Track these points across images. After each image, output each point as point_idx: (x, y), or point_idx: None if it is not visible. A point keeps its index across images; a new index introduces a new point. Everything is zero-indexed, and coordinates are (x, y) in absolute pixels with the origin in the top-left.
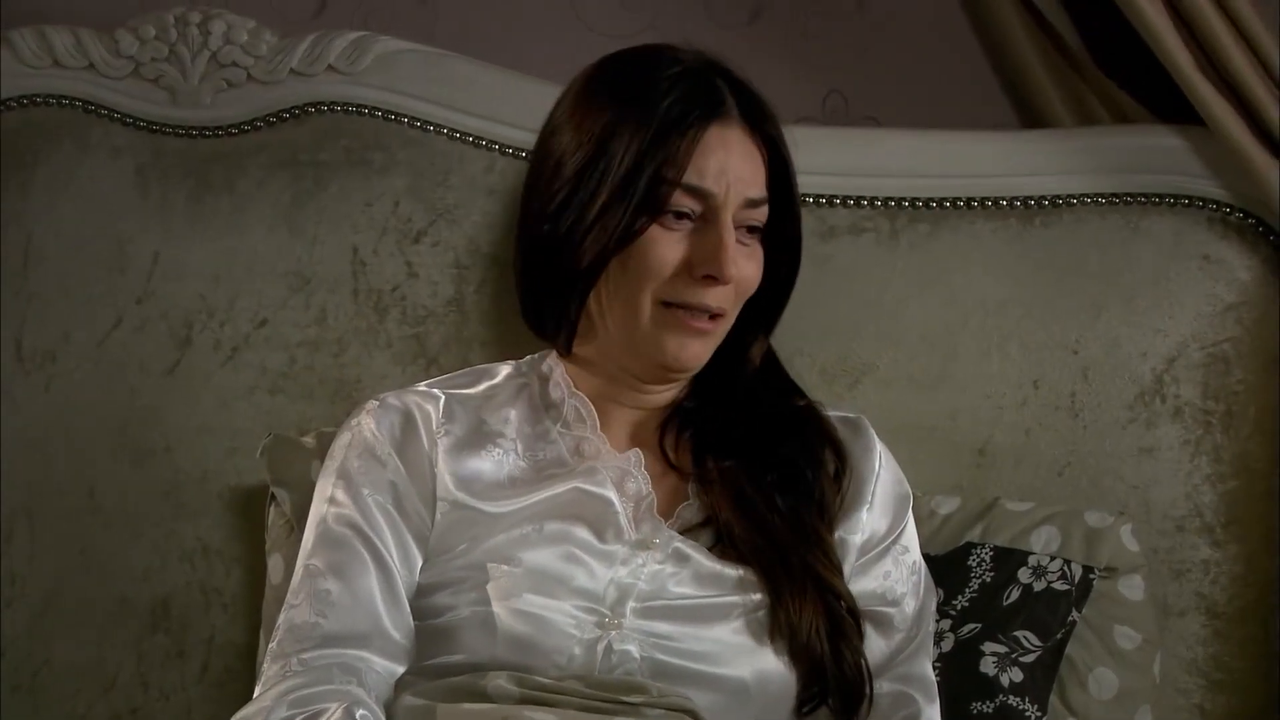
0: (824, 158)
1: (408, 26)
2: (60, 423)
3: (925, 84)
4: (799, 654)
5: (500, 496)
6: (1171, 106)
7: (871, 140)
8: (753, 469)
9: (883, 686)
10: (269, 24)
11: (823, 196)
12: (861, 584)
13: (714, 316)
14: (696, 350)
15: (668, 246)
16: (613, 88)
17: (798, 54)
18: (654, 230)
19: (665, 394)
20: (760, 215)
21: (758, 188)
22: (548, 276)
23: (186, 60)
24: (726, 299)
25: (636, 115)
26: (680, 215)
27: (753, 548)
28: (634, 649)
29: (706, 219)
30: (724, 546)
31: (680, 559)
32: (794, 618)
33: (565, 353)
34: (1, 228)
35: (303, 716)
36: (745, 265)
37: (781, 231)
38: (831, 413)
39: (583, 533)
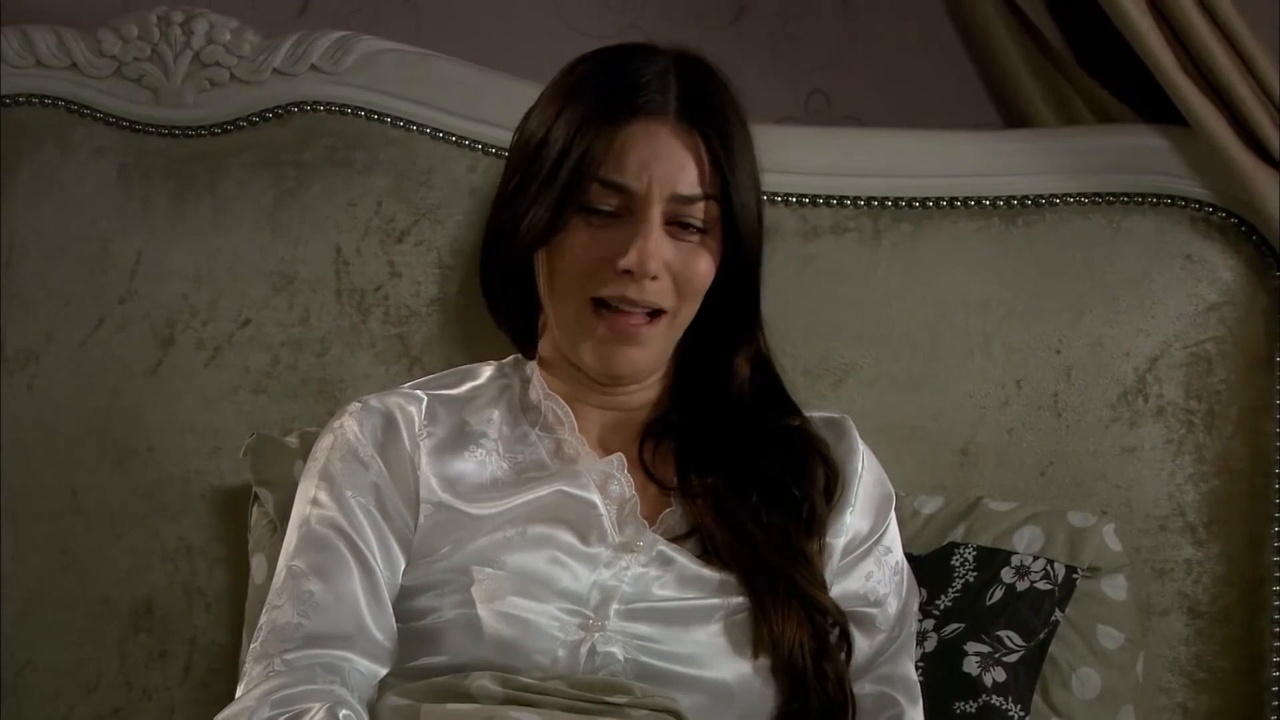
0: (807, 157)
1: (391, 26)
2: (42, 423)
3: (908, 83)
4: (781, 669)
5: (483, 499)
6: (1154, 106)
7: (854, 140)
8: (737, 485)
9: (865, 688)
10: (252, 24)
11: (805, 196)
12: (844, 585)
13: (654, 316)
14: (632, 356)
15: (588, 240)
16: (565, 84)
17: (780, 53)
18: (576, 224)
19: (635, 395)
20: (696, 212)
21: (688, 184)
22: (496, 268)
23: (169, 60)
24: (661, 295)
25: (571, 110)
26: (604, 211)
27: (736, 558)
28: (618, 651)
29: (631, 214)
30: (709, 556)
31: (664, 562)
32: (777, 631)
33: (519, 346)
34: None
35: (286, 716)
36: (683, 261)
37: (733, 230)
38: (815, 413)
39: (566, 535)
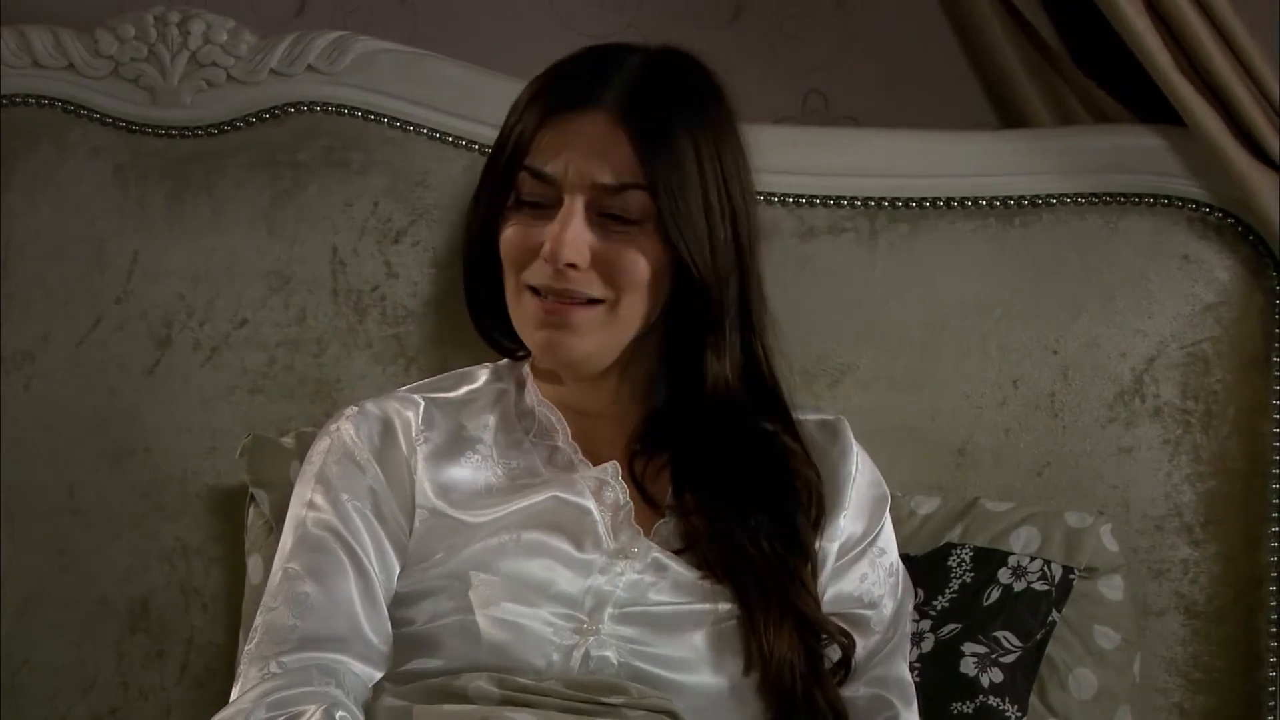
0: (804, 158)
1: (387, 26)
2: (40, 423)
3: (905, 84)
4: (769, 685)
5: (478, 505)
6: (1151, 107)
7: (851, 140)
8: (731, 504)
9: (859, 690)
10: (248, 24)
11: (802, 196)
12: (838, 586)
13: (588, 302)
14: (570, 343)
15: (520, 230)
16: (535, 78)
17: (778, 54)
18: (511, 215)
19: (611, 397)
20: (624, 203)
21: (612, 174)
22: (470, 268)
23: (166, 60)
24: (587, 285)
25: (519, 105)
26: (535, 203)
27: (731, 576)
28: (611, 655)
29: (559, 203)
30: (704, 570)
31: (659, 569)
32: (767, 648)
33: (504, 352)
34: None
35: (283, 718)
36: (612, 252)
37: (669, 224)
38: (810, 415)
39: (561, 542)
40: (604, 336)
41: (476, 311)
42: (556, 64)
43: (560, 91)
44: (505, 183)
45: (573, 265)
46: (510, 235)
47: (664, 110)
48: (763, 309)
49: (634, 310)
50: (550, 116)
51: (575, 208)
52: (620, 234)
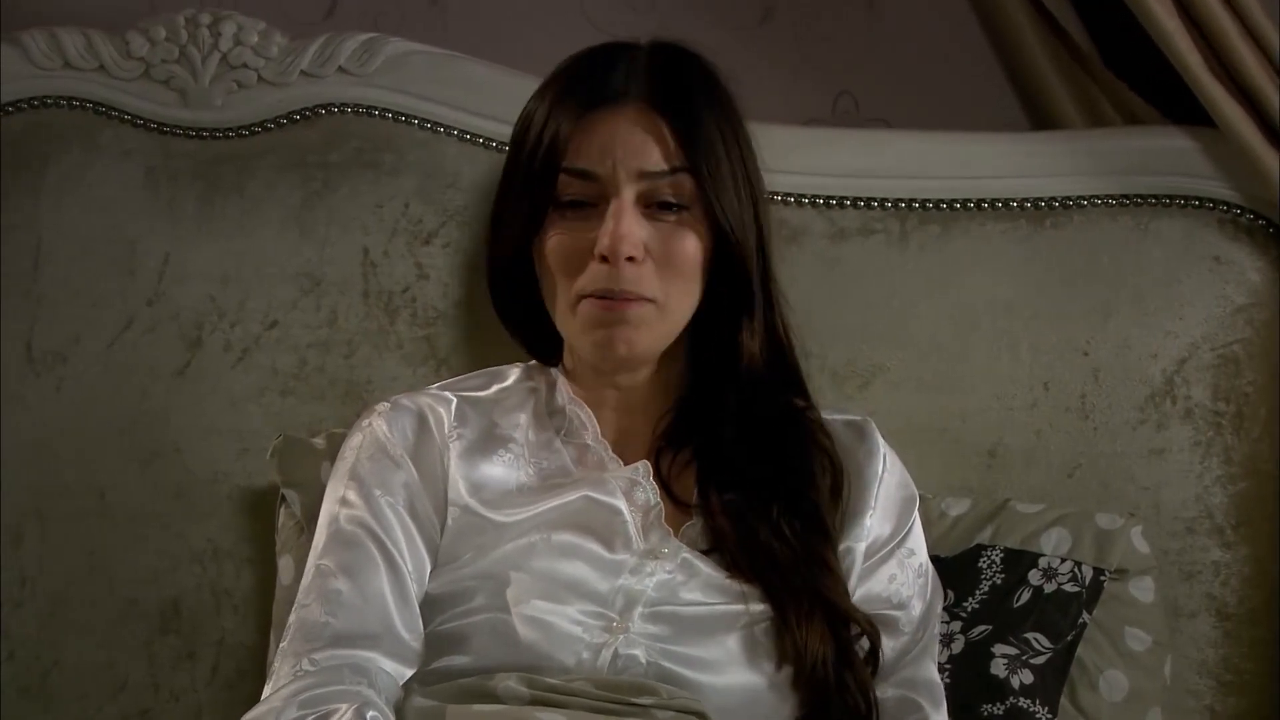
0: (834, 159)
1: (418, 28)
2: (70, 424)
3: (935, 85)
4: (802, 679)
5: (509, 504)
6: (1182, 108)
7: (882, 142)
8: (756, 498)
9: (887, 691)
10: (279, 25)
11: (833, 198)
12: (867, 587)
13: (635, 299)
14: (626, 335)
15: (565, 233)
16: (544, 83)
17: (808, 55)
18: (554, 220)
19: (640, 388)
20: (672, 188)
21: (655, 160)
22: (498, 271)
23: (197, 62)
24: (644, 282)
25: (542, 107)
26: (576, 204)
27: (759, 573)
28: (640, 654)
29: (605, 201)
30: (732, 570)
31: (689, 569)
32: (800, 643)
33: (534, 353)
34: (11, 229)
35: (313, 716)
36: (664, 241)
37: (712, 203)
38: (837, 416)
39: (591, 543)
40: (657, 331)
41: (512, 322)
42: (563, 68)
43: (584, 91)
44: (543, 189)
45: (631, 259)
46: (557, 242)
47: (690, 95)
48: (778, 291)
49: (683, 302)
50: (581, 117)
51: (626, 201)
52: (670, 222)
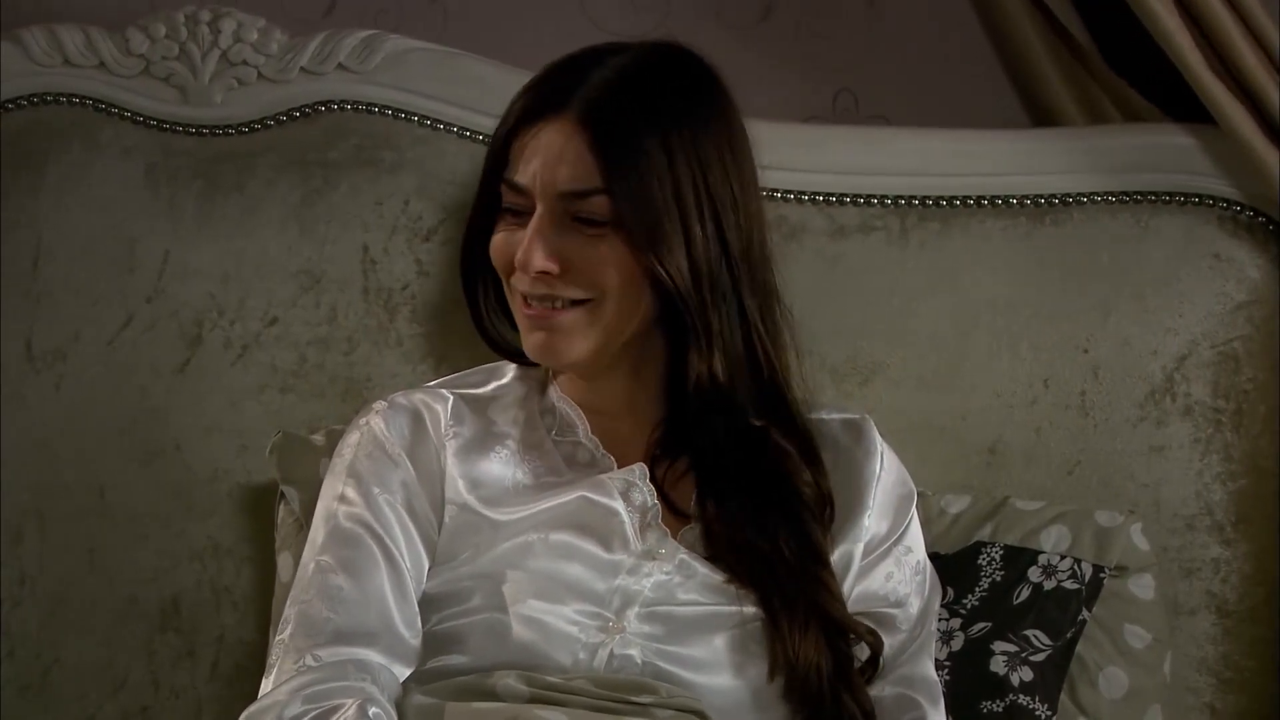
0: (834, 156)
1: (418, 25)
2: (70, 422)
3: (935, 82)
4: (795, 689)
5: (506, 503)
6: (1182, 105)
7: (881, 139)
8: (754, 513)
9: (885, 689)
10: (279, 22)
11: (832, 195)
12: (864, 585)
13: (571, 305)
14: (558, 345)
15: (503, 239)
16: (523, 86)
17: (808, 53)
18: (499, 223)
19: (615, 391)
20: (590, 207)
21: (574, 181)
22: (468, 273)
23: (197, 59)
24: (564, 288)
25: (505, 113)
26: (516, 211)
27: (756, 582)
28: (636, 654)
29: (533, 212)
30: (729, 578)
31: (686, 570)
32: (793, 651)
33: (494, 347)
34: (11, 227)
35: (317, 711)
36: (581, 253)
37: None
38: (835, 415)
39: (588, 543)
40: (592, 336)
41: (478, 316)
42: (544, 68)
43: (533, 99)
44: (491, 192)
45: (544, 273)
46: (495, 243)
47: (628, 111)
48: (768, 303)
49: (618, 309)
50: (521, 126)
51: (540, 215)
52: (591, 237)
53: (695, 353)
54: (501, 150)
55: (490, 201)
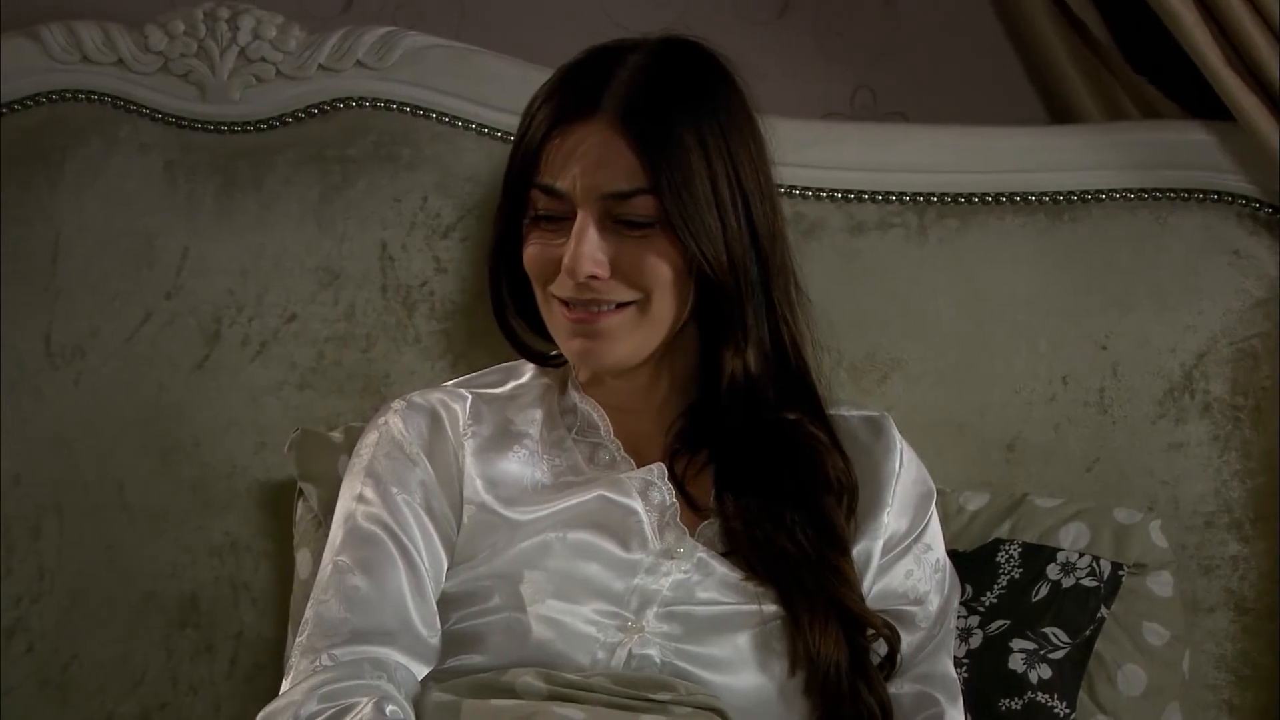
0: (852, 153)
1: (436, 22)
2: (88, 418)
3: (953, 79)
4: (815, 684)
5: (525, 502)
6: (1201, 101)
7: (900, 135)
8: (774, 506)
9: (903, 686)
10: (297, 19)
11: (851, 192)
12: (884, 583)
13: (620, 306)
14: (603, 349)
15: (540, 244)
16: (543, 84)
17: (826, 49)
18: (531, 231)
19: (640, 388)
20: (634, 208)
21: (619, 181)
22: (495, 274)
23: (215, 56)
24: (612, 291)
25: (529, 114)
26: (551, 218)
27: (774, 577)
28: (655, 653)
29: (574, 215)
30: (747, 574)
31: (704, 569)
32: (813, 648)
33: (519, 349)
34: (30, 223)
35: (333, 710)
36: (629, 256)
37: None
38: (855, 412)
39: (607, 542)
40: (638, 337)
41: (504, 320)
42: (561, 69)
43: (561, 102)
44: (520, 199)
45: (593, 277)
46: (532, 252)
47: (664, 109)
48: (790, 294)
49: (665, 308)
50: (554, 129)
51: (587, 221)
52: (636, 238)
53: (730, 347)
54: (532, 157)
55: (518, 208)
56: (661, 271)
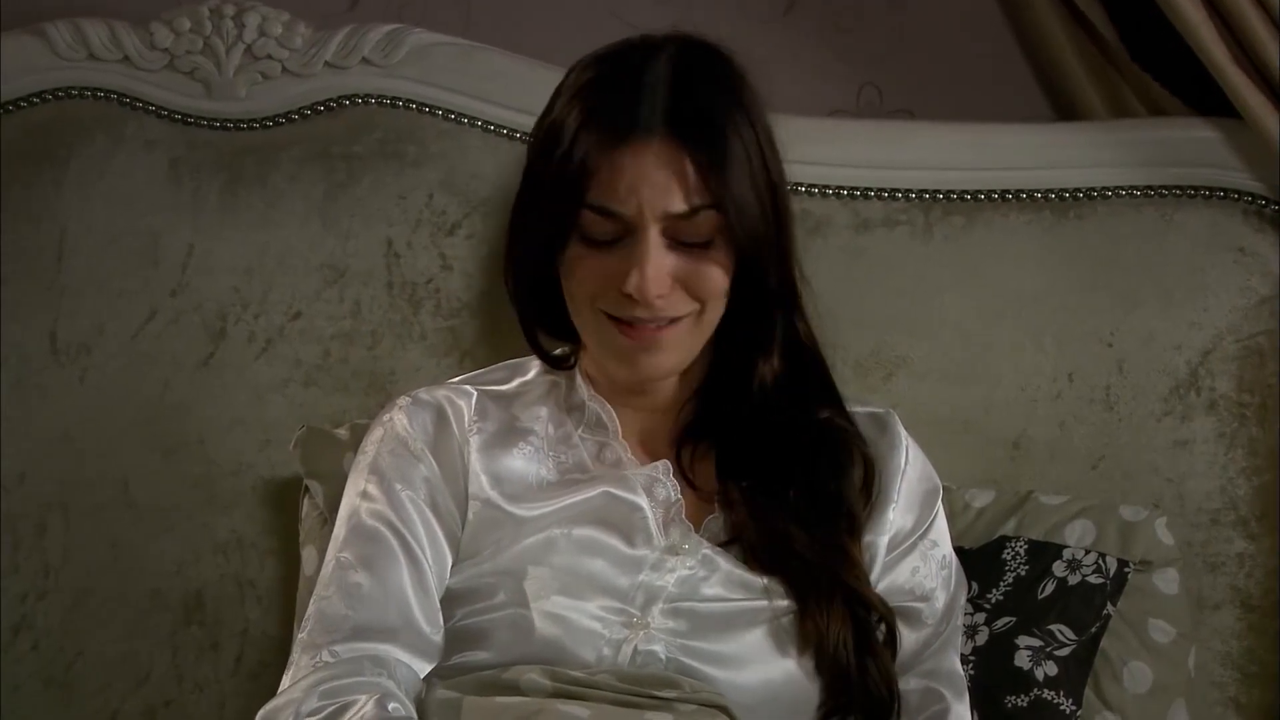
0: (858, 150)
1: (441, 19)
2: (93, 415)
3: (959, 76)
4: (824, 665)
5: (530, 498)
6: (1206, 99)
7: (906, 133)
8: (775, 488)
9: (910, 683)
10: (303, 16)
11: (857, 189)
12: (890, 580)
13: (670, 322)
14: (657, 361)
15: (592, 263)
16: (568, 94)
17: (832, 47)
18: (577, 248)
19: (668, 395)
20: (696, 227)
21: (679, 201)
22: (518, 267)
23: (221, 53)
24: (674, 306)
25: (568, 128)
26: (603, 239)
27: (778, 562)
28: (660, 650)
29: (631, 237)
30: (751, 561)
31: (710, 565)
32: (821, 627)
33: (545, 361)
34: (35, 220)
35: (334, 707)
36: (692, 272)
37: (734, 235)
38: (860, 408)
39: (612, 538)
40: (690, 345)
41: (533, 336)
42: (587, 78)
43: (610, 121)
44: (566, 219)
45: (659, 296)
46: (585, 269)
47: (713, 121)
48: (801, 286)
49: (716, 315)
50: (605, 150)
51: (651, 241)
52: (696, 252)
53: (764, 355)
54: (582, 178)
55: (561, 226)
56: (719, 282)
